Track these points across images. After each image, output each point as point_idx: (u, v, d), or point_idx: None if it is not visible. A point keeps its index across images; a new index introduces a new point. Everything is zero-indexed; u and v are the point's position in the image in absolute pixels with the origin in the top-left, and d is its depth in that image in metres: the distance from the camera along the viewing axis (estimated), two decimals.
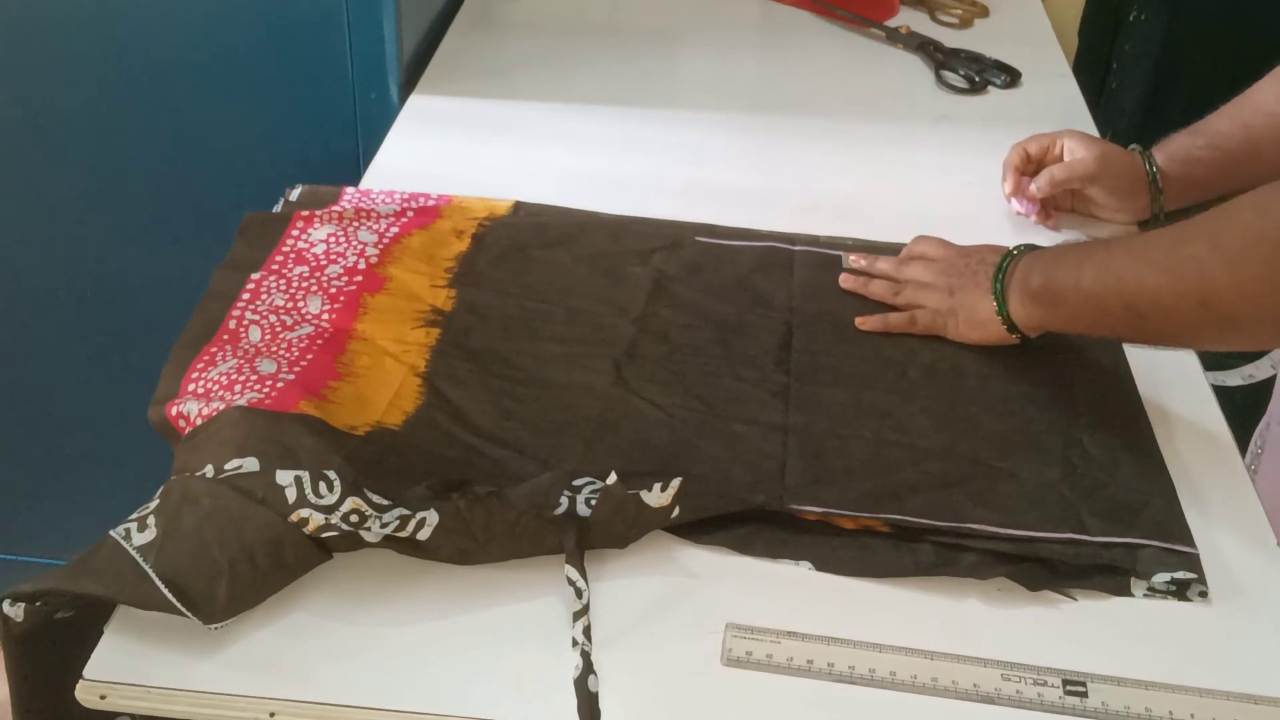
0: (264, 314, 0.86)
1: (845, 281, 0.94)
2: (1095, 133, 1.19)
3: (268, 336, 0.84)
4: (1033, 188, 1.03)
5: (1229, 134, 0.97)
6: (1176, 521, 0.75)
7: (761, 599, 0.70)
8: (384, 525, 0.67)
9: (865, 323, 0.90)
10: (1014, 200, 1.05)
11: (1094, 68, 1.57)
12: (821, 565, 0.72)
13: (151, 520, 0.67)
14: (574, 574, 0.68)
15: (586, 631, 0.66)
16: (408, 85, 1.21)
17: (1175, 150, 1.00)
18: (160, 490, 0.70)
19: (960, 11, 1.44)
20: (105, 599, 0.65)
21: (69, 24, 1.14)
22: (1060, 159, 1.03)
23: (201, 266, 0.91)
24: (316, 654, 0.65)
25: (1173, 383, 0.88)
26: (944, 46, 1.34)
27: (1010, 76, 1.29)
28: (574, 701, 0.63)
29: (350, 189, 1.02)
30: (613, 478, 0.71)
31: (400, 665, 0.65)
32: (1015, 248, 0.88)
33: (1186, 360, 0.90)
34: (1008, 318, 0.85)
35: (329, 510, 0.67)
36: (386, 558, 0.70)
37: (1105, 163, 1.00)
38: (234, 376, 0.79)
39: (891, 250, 0.97)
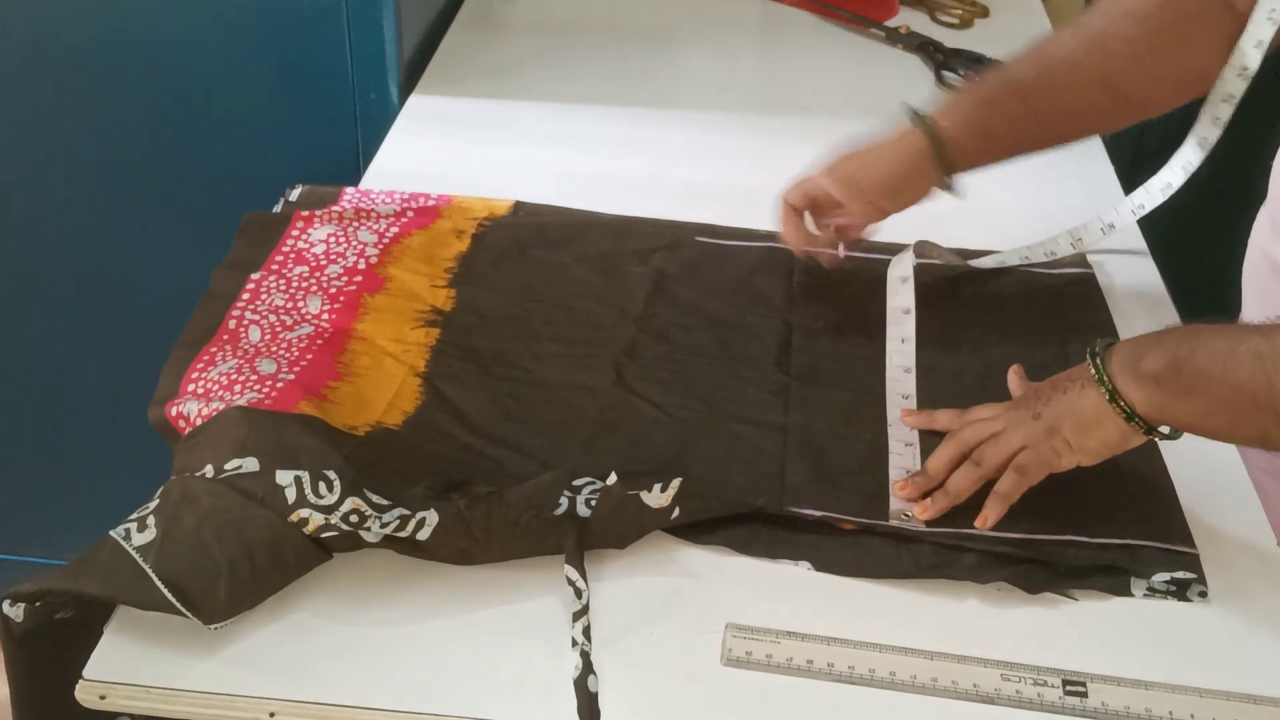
0: (264, 314, 0.86)
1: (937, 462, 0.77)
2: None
3: (267, 336, 0.84)
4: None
5: (1032, 87, 0.88)
6: (1176, 521, 0.75)
7: (761, 599, 0.70)
8: (384, 525, 0.67)
9: (986, 521, 0.73)
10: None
11: None
12: (821, 565, 0.72)
13: (151, 520, 0.67)
14: (574, 574, 0.68)
15: (586, 631, 0.66)
16: (408, 85, 1.21)
17: (967, 112, 0.91)
18: (160, 490, 0.70)
19: (960, 11, 1.44)
20: (105, 599, 0.65)
21: (69, 23, 1.14)
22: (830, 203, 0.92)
23: (201, 266, 0.91)
24: (316, 654, 0.65)
25: None
26: (944, 46, 1.34)
27: None
28: (574, 701, 0.63)
29: (350, 189, 1.02)
30: (613, 478, 0.71)
31: (400, 665, 0.65)
32: (1095, 344, 0.74)
33: None
34: (1124, 404, 0.71)
35: (329, 510, 0.67)
36: (386, 558, 0.70)
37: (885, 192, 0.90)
38: (234, 376, 0.78)
39: (890, 250, 0.97)
